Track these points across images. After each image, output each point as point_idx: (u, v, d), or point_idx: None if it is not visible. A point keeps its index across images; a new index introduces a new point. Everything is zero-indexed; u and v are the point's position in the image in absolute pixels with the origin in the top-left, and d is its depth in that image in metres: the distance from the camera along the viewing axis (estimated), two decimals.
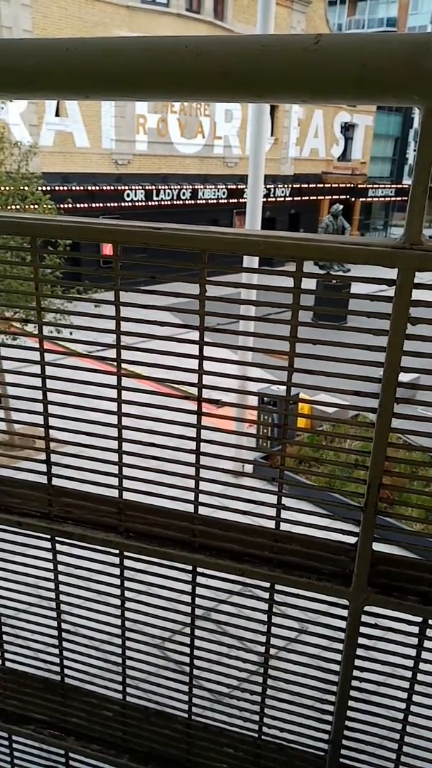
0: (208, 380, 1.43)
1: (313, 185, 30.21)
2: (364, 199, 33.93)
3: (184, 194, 24.11)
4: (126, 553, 1.64)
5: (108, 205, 21.41)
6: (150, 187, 22.99)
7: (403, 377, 1.25)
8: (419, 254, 1.13)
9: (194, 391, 1.44)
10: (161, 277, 1.51)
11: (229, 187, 25.45)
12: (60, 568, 1.76)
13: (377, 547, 1.39)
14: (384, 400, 1.24)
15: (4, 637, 1.96)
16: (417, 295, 1.17)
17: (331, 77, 1.03)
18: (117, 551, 1.65)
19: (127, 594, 1.72)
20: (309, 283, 1.31)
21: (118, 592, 1.72)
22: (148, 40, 1.11)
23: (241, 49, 1.06)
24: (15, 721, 2.00)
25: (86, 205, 19.87)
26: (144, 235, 1.31)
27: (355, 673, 1.52)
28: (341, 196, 29.57)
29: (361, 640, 1.48)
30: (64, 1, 19.76)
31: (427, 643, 1.45)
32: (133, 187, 22.48)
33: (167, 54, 1.09)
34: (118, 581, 1.71)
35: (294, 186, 29.10)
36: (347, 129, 33.24)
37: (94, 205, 20.73)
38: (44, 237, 1.48)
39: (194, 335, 1.39)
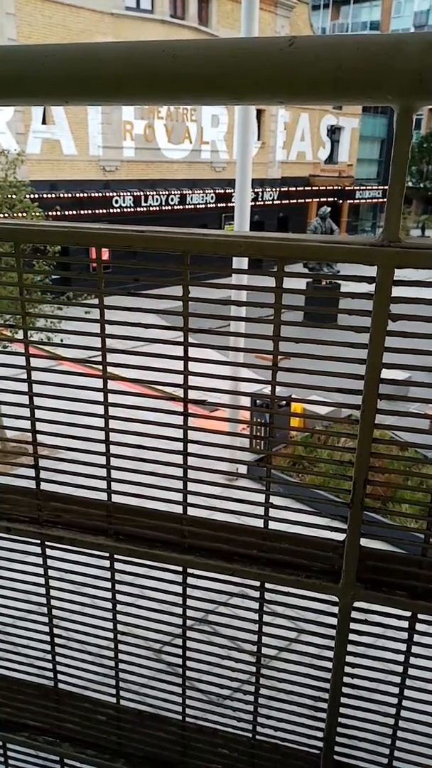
0: (194, 381, 1.44)
1: (301, 188, 30.35)
2: (351, 201, 34.11)
3: (172, 200, 24.16)
4: (116, 556, 1.65)
5: (96, 211, 21.42)
6: (138, 193, 23.02)
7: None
8: (398, 251, 1.15)
9: (181, 392, 1.45)
10: (147, 279, 1.52)
11: (217, 191, 25.52)
12: (50, 572, 1.76)
13: (368, 543, 1.40)
14: (367, 396, 1.25)
15: None
16: (397, 291, 1.19)
17: (306, 78, 1.04)
18: (107, 554, 1.65)
19: (119, 597, 1.72)
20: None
21: (109, 595, 1.72)
22: (125, 45, 1.12)
23: (217, 52, 1.08)
24: (9, 728, 1.99)
25: (75, 212, 19.89)
26: (126, 237, 1.32)
27: (347, 669, 1.52)
28: (329, 199, 29.73)
29: (352, 636, 1.49)
30: (49, 10, 19.80)
31: (416, 637, 1.46)
32: (122, 194, 22.50)
33: (144, 58, 1.11)
34: (109, 584, 1.71)
35: (282, 189, 29.22)
36: (333, 132, 33.44)
37: (82, 212, 20.74)
38: (28, 242, 1.49)
39: (179, 337, 1.39)
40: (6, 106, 1.31)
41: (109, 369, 1.50)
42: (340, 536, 1.42)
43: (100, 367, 1.49)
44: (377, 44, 1.02)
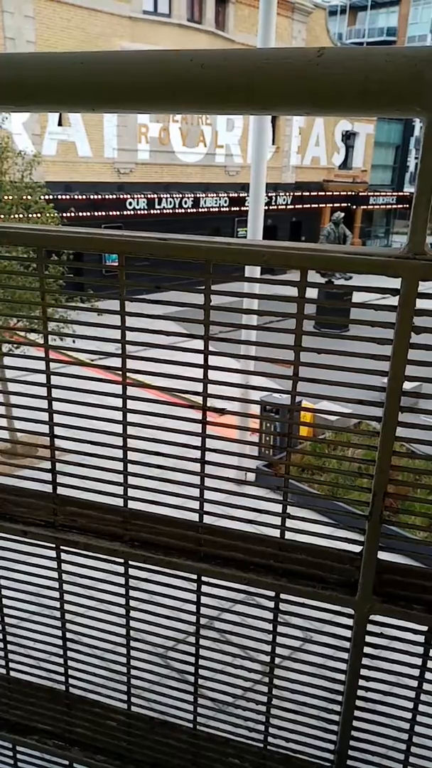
0: (212, 389, 1.44)
1: (315, 193, 30.30)
2: (365, 207, 34.01)
3: (185, 203, 24.21)
4: (131, 562, 1.65)
5: (110, 213, 21.50)
6: (152, 196, 23.08)
7: (406, 386, 1.25)
8: (423, 264, 1.14)
9: (199, 399, 1.45)
10: (166, 286, 1.52)
11: (230, 195, 25.55)
12: (65, 577, 1.76)
13: (383, 556, 1.39)
14: (388, 408, 1.24)
15: (9, 647, 1.96)
16: (420, 304, 1.18)
17: (334, 90, 1.04)
18: (122, 560, 1.65)
19: (132, 603, 1.72)
20: (311, 292, 1.32)
21: (123, 601, 1.72)
22: (154, 54, 1.12)
23: (245, 63, 1.08)
24: (19, 731, 1.99)
25: (89, 214, 19.98)
26: (150, 245, 1.32)
27: (361, 682, 1.51)
28: (342, 204, 29.66)
29: (367, 650, 1.48)
30: (67, 13, 19.93)
31: None
32: (136, 196, 22.58)
33: (173, 67, 1.11)
34: (123, 590, 1.71)
35: (295, 194, 29.20)
36: (348, 137, 33.39)
37: (96, 213, 20.82)
38: (51, 248, 1.49)
39: (199, 344, 1.39)
40: (35, 112, 1.31)
41: (129, 375, 1.51)
42: (357, 548, 1.42)
43: (120, 372, 1.50)
44: (406, 56, 1.01)
